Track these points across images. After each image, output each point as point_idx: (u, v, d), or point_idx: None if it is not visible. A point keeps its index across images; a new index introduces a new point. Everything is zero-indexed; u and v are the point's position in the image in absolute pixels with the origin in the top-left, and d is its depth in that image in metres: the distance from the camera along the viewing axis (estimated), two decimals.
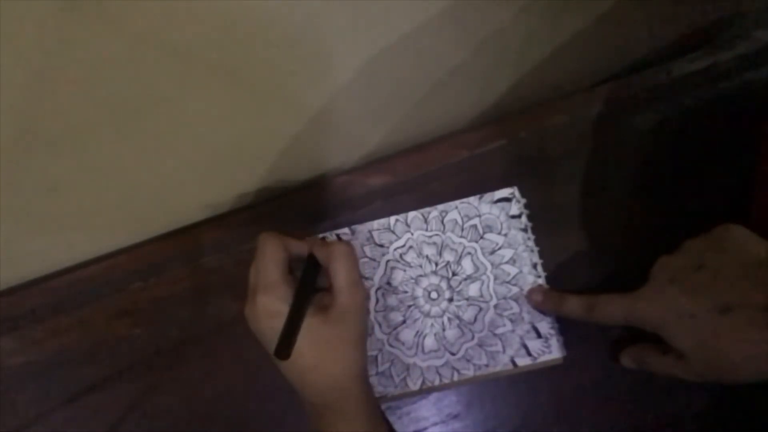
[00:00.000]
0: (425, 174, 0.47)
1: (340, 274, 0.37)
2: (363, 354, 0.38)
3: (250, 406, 0.44)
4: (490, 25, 0.39)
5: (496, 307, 0.43)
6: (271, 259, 0.37)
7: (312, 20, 0.31)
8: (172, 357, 0.45)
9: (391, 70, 0.39)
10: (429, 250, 0.45)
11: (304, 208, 0.47)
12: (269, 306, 0.35)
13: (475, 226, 0.45)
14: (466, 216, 0.45)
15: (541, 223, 0.45)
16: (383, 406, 0.42)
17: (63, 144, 0.33)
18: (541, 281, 0.43)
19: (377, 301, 0.44)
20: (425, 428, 0.43)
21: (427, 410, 0.43)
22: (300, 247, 0.39)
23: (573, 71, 0.49)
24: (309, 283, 0.38)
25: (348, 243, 0.40)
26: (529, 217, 0.45)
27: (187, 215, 0.48)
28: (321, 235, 0.45)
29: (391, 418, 0.43)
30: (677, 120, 0.46)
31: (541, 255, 0.44)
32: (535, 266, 0.44)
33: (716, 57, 0.47)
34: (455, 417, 0.43)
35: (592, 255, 0.44)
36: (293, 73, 0.36)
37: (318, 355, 0.35)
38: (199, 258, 0.46)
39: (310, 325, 0.35)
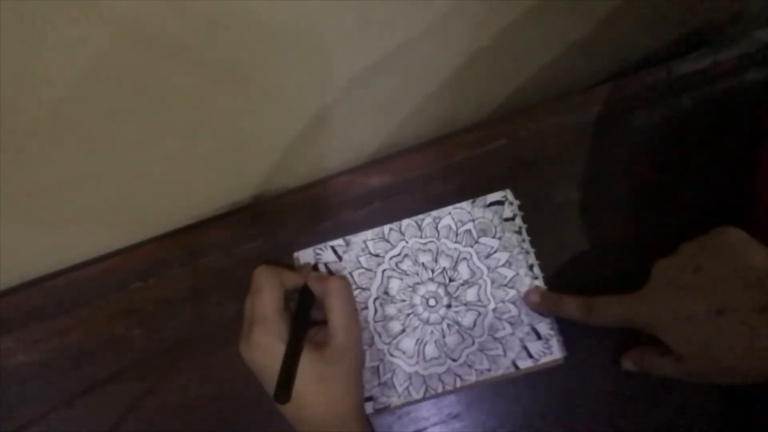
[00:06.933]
0: (425, 174, 0.47)
1: (336, 312, 0.38)
2: (359, 389, 0.39)
3: (250, 406, 0.44)
4: (492, 27, 0.39)
5: (494, 310, 0.43)
6: (267, 295, 0.38)
7: (314, 20, 0.31)
8: (172, 357, 0.45)
9: (392, 70, 0.39)
10: (425, 258, 0.44)
11: (304, 208, 0.47)
12: (264, 343, 0.36)
13: (469, 231, 0.44)
14: (460, 221, 0.45)
15: (541, 223, 0.45)
16: (387, 415, 0.43)
17: (63, 144, 0.33)
18: (539, 282, 0.43)
19: (375, 311, 0.44)
20: (425, 428, 0.43)
21: (427, 410, 0.43)
22: (295, 280, 0.40)
23: (573, 71, 0.49)
24: (303, 321, 0.38)
25: (343, 278, 0.41)
26: (529, 218, 0.45)
27: (186, 215, 0.48)
28: (316, 247, 0.45)
29: (391, 418, 0.43)
30: (677, 120, 0.46)
31: (541, 255, 0.44)
32: (531, 268, 0.44)
33: (716, 57, 0.47)
34: (455, 417, 0.43)
35: (592, 255, 0.44)
36: (294, 74, 0.36)
37: (314, 393, 0.36)
38: (199, 258, 0.46)
39: (306, 363, 0.35)
